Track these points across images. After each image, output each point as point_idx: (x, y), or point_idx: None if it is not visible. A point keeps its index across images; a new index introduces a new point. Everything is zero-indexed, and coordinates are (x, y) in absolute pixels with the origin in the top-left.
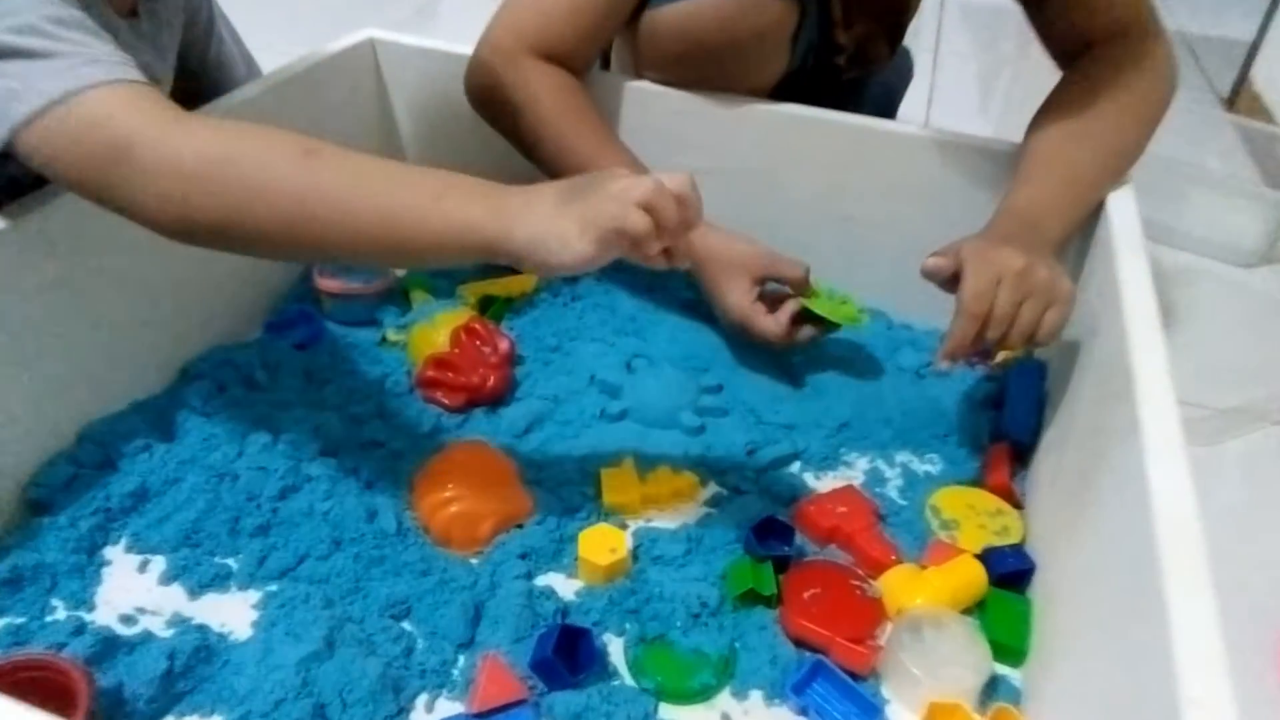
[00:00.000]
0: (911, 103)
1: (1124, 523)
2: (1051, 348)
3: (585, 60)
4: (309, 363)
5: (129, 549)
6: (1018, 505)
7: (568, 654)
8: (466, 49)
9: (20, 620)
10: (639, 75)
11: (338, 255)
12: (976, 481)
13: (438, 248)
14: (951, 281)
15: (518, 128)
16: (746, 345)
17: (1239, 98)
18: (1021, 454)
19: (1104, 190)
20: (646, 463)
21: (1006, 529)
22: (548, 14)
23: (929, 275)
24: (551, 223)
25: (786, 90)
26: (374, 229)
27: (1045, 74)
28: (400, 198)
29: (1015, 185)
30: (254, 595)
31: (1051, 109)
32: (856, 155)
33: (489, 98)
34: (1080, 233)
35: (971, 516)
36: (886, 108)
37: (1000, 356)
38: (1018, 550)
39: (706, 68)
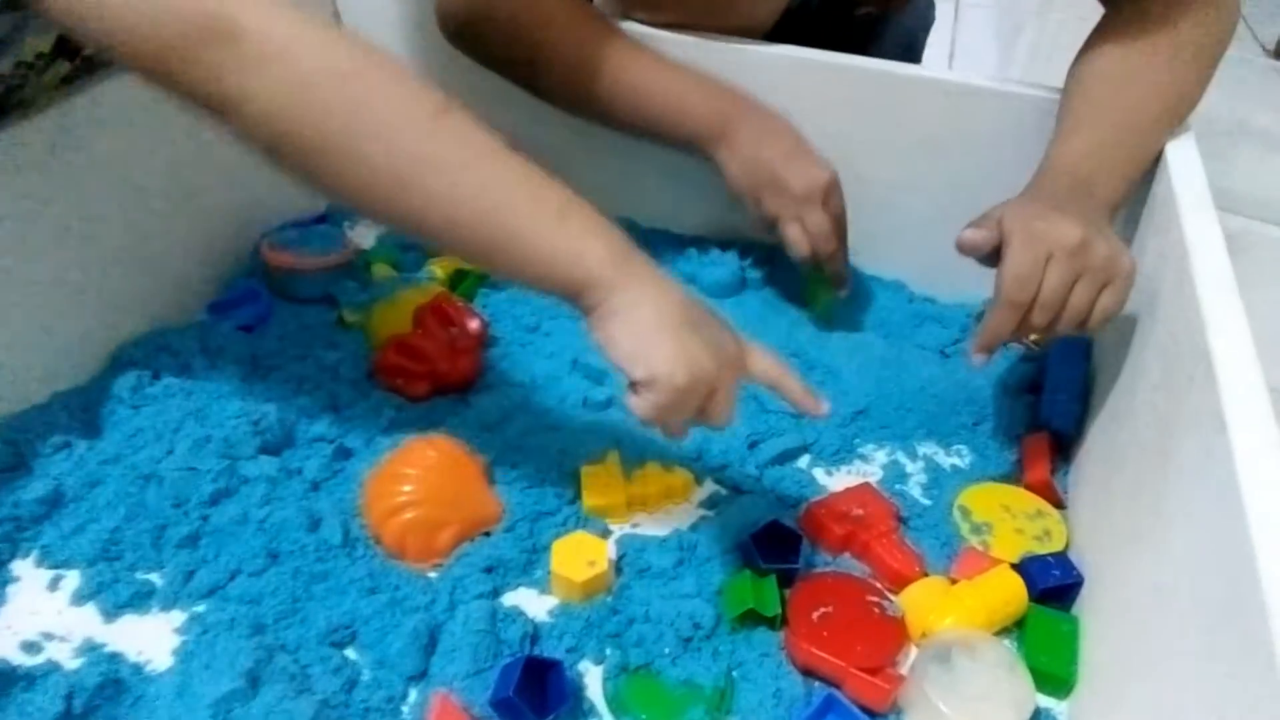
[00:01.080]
0: (930, 57)
1: (1206, 530)
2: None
3: None
4: (254, 347)
5: (39, 563)
6: (1060, 505)
7: (534, 690)
8: None
9: None
10: (626, 16)
11: (425, 233)
12: (1012, 478)
13: (537, 265)
14: (992, 256)
15: (522, 54)
16: (753, 319)
17: None
18: (1063, 445)
19: (1162, 140)
20: (633, 458)
21: (1048, 534)
22: None
23: (966, 250)
24: (657, 335)
25: (788, 30)
26: (479, 222)
27: (1072, 27)
28: (519, 198)
29: (1060, 136)
30: (177, 618)
31: (1096, 48)
32: (870, 105)
33: (473, 17)
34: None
35: (1007, 519)
36: (906, 55)
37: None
38: (1062, 560)
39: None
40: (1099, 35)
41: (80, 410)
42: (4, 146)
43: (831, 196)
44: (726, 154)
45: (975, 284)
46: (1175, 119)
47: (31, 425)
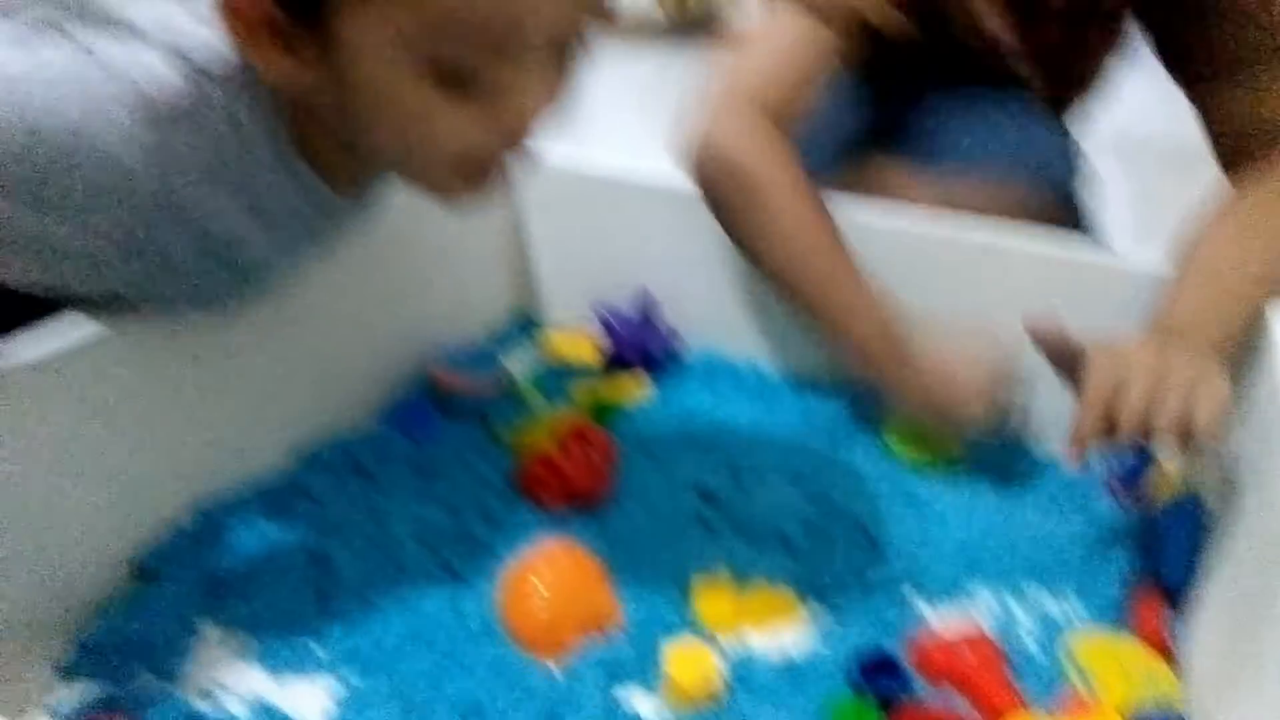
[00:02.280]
0: None
1: None
2: (1210, 486)
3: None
4: (420, 455)
5: (223, 624)
6: (1171, 658)
7: None
8: (600, 166)
9: (108, 686)
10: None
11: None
12: (1122, 627)
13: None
14: (1070, 370)
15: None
16: (869, 464)
17: None
18: (1174, 596)
19: (1265, 302)
20: (744, 576)
21: (1159, 687)
22: (770, 72)
23: (1034, 335)
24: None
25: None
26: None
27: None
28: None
29: (1164, 296)
30: (333, 684)
31: (1211, 219)
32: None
33: (717, 178)
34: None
35: (1116, 669)
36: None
37: (1158, 491)
38: (1173, 716)
39: None
40: (1215, 206)
41: (269, 498)
42: None
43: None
44: (894, 381)
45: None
46: None
47: (228, 507)
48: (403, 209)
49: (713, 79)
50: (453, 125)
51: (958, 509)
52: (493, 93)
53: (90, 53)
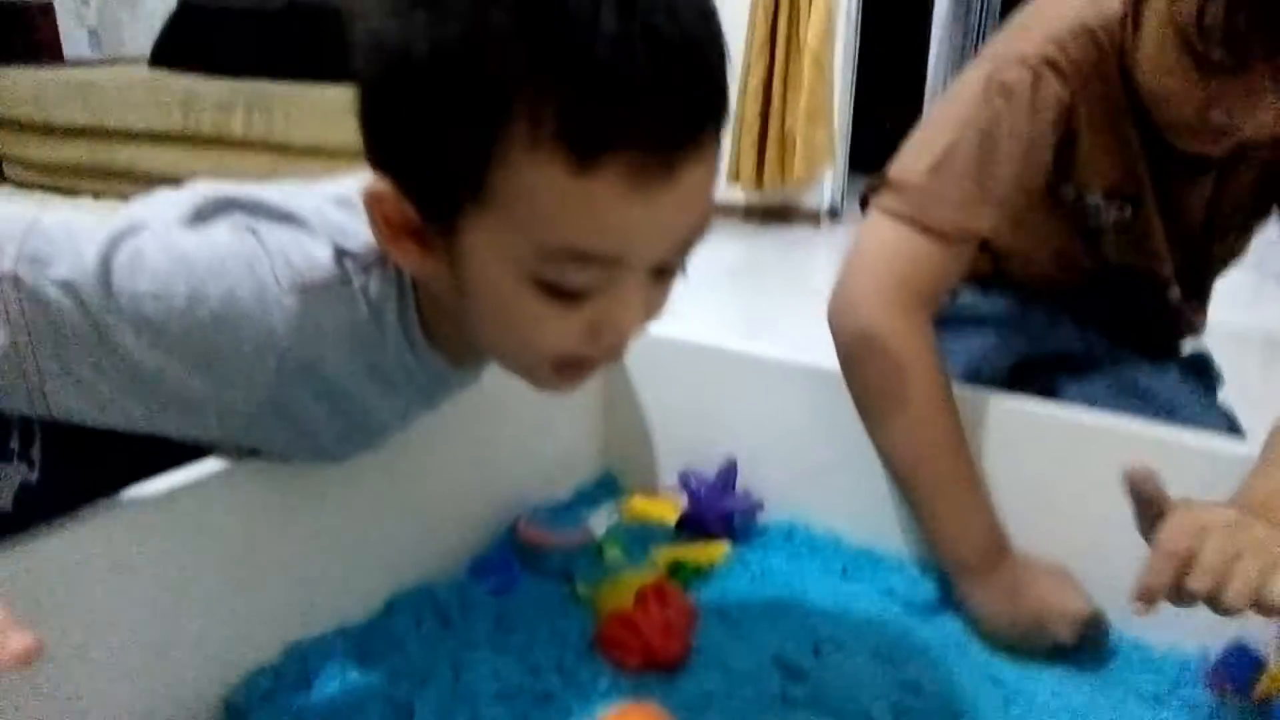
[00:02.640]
0: None
1: None
2: None
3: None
4: (502, 608)
5: None
6: None
7: None
8: (693, 334)
9: None
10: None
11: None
12: None
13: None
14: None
15: (877, 410)
16: (951, 644)
17: None
18: None
19: None
20: None
21: None
22: (918, 254)
23: (1131, 483)
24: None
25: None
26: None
27: None
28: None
29: (1245, 480)
30: None
31: None
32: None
33: (850, 361)
34: None
35: None
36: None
37: (1261, 689)
38: None
39: None
40: None
41: (356, 643)
42: None
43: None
44: (971, 589)
45: (1194, 633)
46: None
47: (317, 651)
48: (498, 370)
49: (854, 263)
50: (555, 332)
51: (1048, 697)
52: (595, 307)
53: (255, 232)
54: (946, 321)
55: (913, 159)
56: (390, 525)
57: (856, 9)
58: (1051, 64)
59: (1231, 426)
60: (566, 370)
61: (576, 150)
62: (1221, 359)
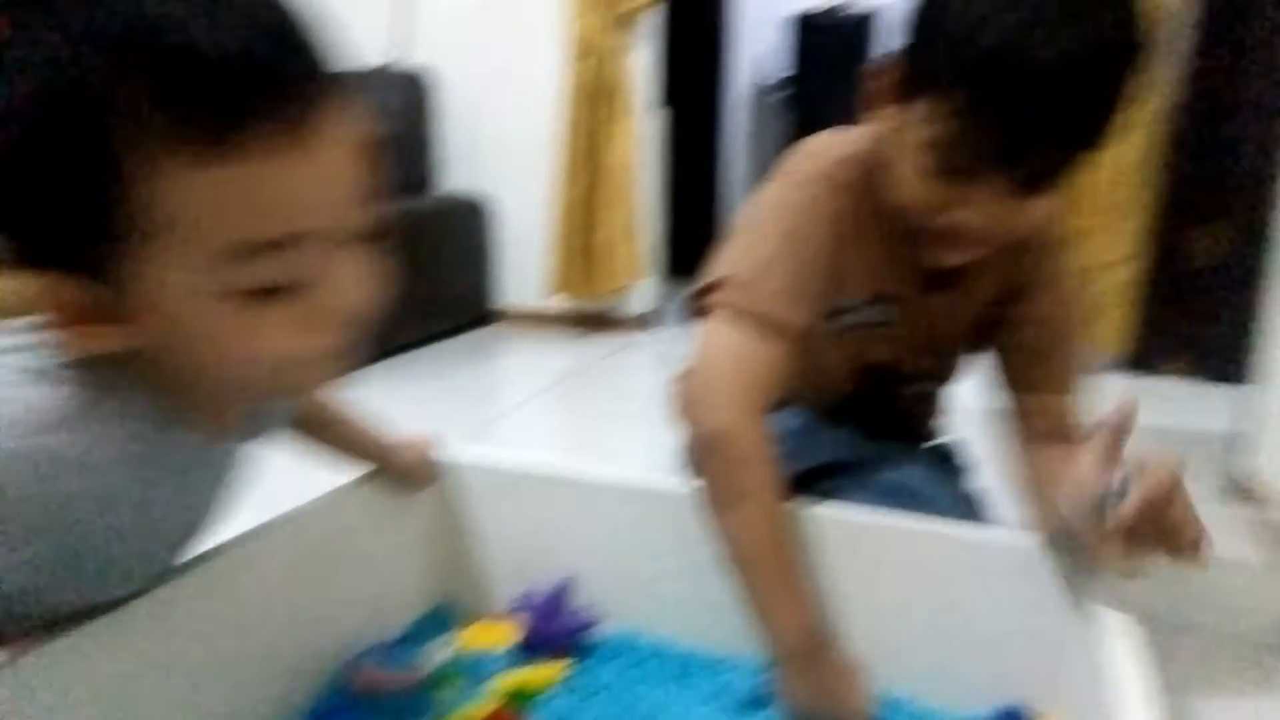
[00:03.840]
0: None
1: None
2: None
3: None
4: None
5: None
6: None
7: None
8: (522, 459)
9: None
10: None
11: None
12: None
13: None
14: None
15: (720, 503)
16: None
17: (1246, 486)
18: None
19: None
20: None
21: None
22: (759, 349)
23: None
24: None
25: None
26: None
27: None
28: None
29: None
30: None
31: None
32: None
33: (704, 460)
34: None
35: None
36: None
37: None
38: None
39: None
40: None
41: None
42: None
43: None
44: (792, 673)
45: (971, 699)
46: None
47: None
48: (325, 511)
49: (695, 368)
50: (271, 337)
51: None
52: (301, 298)
53: None
54: None
55: (741, 263)
56: (216, 677)
57: (662, 132)
58: (830, 183)
59: (970, 509)
60: (296, 378)
61: (195, 141)
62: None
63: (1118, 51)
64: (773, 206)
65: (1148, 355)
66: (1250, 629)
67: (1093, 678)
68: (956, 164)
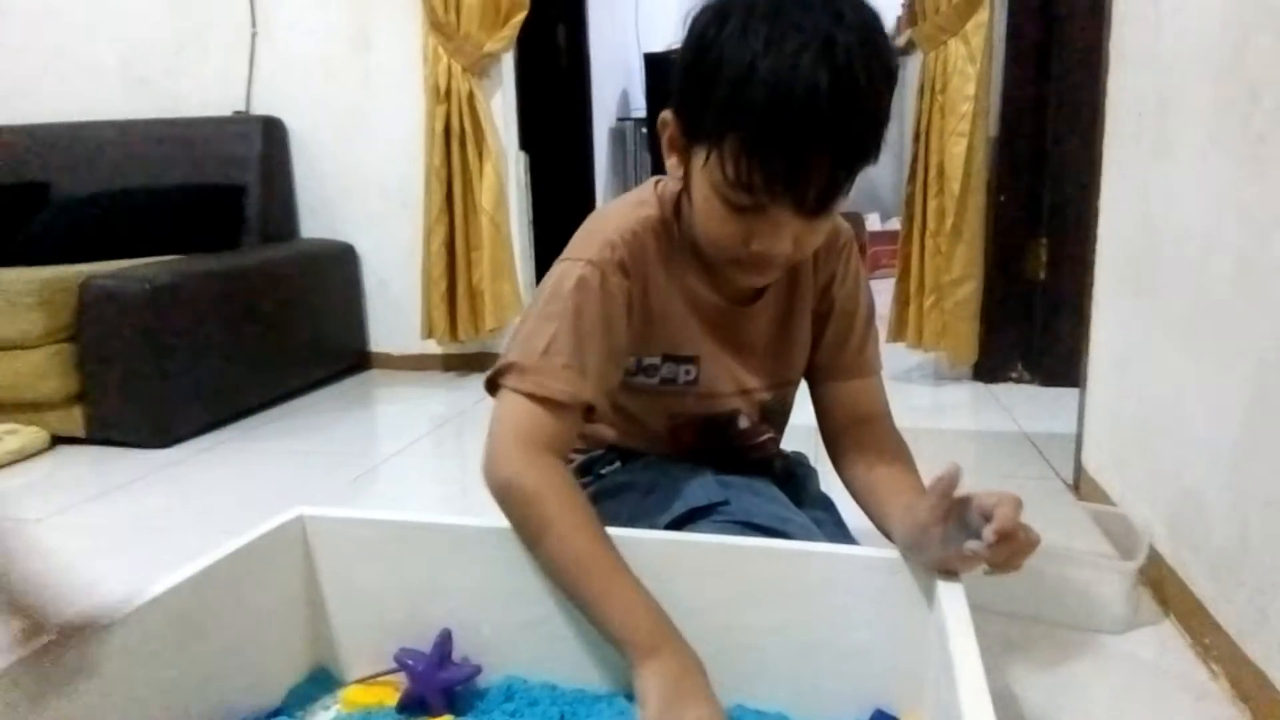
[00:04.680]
0: None
1: None
2: None
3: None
4: None
5: None
6: None
7: None
8: (390, 515)
9: None
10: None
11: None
12: None
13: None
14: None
15: (532, 539)
16: None
17: (1081, 482)
18: None
19: None
20: None
21: None
22: (541, 419)
23: (945, 482)
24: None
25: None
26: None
27: None
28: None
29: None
30: None
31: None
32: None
33: (504, 508)
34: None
35: None
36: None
37: None
38: None
39: None
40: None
41: None
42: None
43: None
44: (645, 673)
45: (844, 707)
46: None
47: None
48: (196, 583)
49: (493, 432)
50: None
51: None
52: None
53: None
54: (601, 494)
55: (525, 347)
56: None
57: (524, 173)
58: (613, 261)
59: (824, 513)
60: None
61: None
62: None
63: (875, 74)
64: (556, 287)
65: (992, 364)
66: (1089, 618)
67: (942, 674)
68: (744, 201)
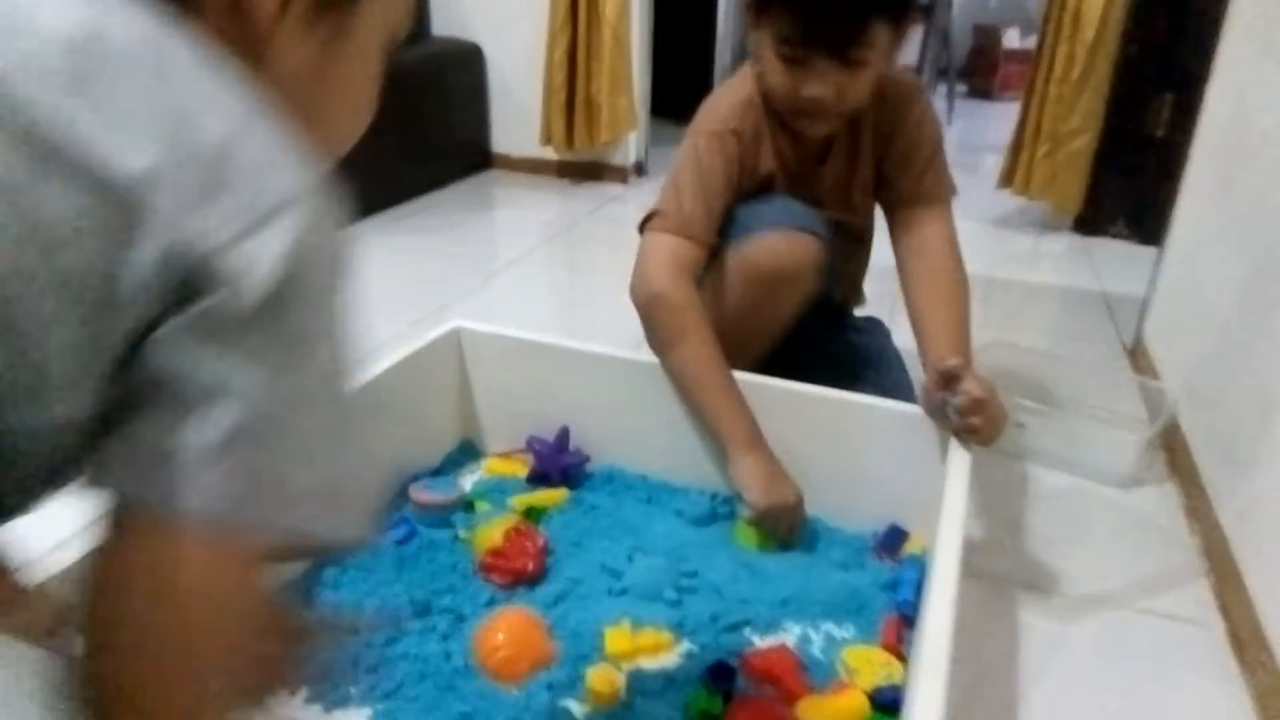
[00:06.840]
0: None
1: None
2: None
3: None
4: (403, 553)
5: None
6: (903, 659)
7: None
8: (526, 335)
9: None
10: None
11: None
12: (875, 641)
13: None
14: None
15: (667, 343)
16: (718, 543)
17: (1137, 349)
18: (909, 621)
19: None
20: (638, 624)
21: (891, 675)
22: (682, 249)
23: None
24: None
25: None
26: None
27: None
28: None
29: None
30: (367, 713)
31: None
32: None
33: (648, 316)
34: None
35: (868, 666)
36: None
37: (902, 550)
38: (895, 687)
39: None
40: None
41: (299, 584)
42: None
43: (795, 510)
44: (745, 462)
45: (868, 520)
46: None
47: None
48: (376, 384)
49: (641, 258)
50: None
51: (778, 573)
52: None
53: None
54: None
55: (668, 199)
56: None
57: None
58: (727, 131)
59: (898, 378)
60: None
61: None
62: None
63: None
64: (687, 153)
65: (1093, 217)
66: (1101, 473)
67: (937, 502)
68: (790, 53)
